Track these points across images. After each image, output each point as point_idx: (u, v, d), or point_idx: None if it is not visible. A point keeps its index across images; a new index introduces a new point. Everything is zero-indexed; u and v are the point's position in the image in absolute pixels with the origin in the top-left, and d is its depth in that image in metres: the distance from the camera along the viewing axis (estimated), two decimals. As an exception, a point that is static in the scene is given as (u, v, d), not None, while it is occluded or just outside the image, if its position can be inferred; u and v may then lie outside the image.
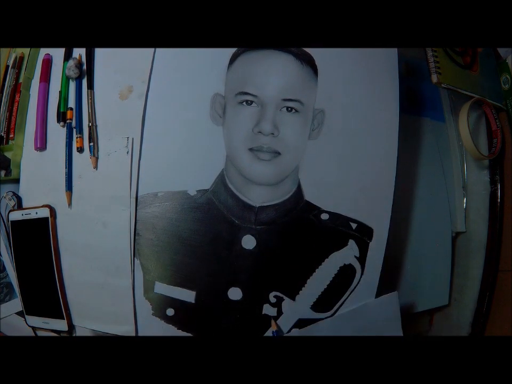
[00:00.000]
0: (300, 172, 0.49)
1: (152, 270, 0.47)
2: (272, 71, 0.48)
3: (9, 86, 0.54)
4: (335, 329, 0.48)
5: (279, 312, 0.47)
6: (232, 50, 0.49)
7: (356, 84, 0.51)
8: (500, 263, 0.59)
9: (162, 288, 0.47)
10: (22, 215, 0.50)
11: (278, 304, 0.47)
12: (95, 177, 0.49)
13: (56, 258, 0.49)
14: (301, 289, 0.48)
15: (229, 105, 0.48)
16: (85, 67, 0.51)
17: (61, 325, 0.49)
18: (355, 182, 0.49)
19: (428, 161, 0.58)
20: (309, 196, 0.49)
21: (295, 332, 0.48)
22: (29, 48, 0.54)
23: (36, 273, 0.50)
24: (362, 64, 0.51)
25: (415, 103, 0.59)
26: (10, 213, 0.51)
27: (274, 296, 0.47)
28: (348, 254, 0.48)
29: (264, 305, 0.47)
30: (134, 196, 0.47)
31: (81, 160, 0.49)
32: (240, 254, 0.47)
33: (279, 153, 0.47)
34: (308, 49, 0.49)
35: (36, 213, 0.50)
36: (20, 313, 0.52)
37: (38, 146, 0.51)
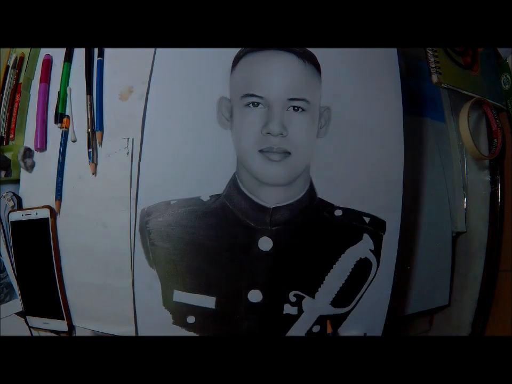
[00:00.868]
0: (311, 170, 0.49)
1: (169, 279, 0.47)
2: (276, 71, 0.48)
3: (10, 87, 0.54)
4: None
5: (300, 311, 0.48)
6: (234, 53, 0.49)
7: (359, 79, 0.51)
8: (500, 263, 0.59)
9: (182, 296, 0.47)
10: (22, 215, 0.50)
11: (298, 303, 0.48)
12: (95, 178, 0.49)
13: (56, 258, 0.49)
14: (320, 286, 0.48)
15: (235, 108, 0.48)
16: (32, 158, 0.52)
17: (61, 325, 0.49)
18: (365, 177, 0.50)
19: (428, 162, 0.58)
20: (322, 193, 0.49)
21: (317, 329, 0.48)
22: (29, 49, 0.54)
23: (36, 274, 0.50)
24: (364, 59, 0.51)
25: (416, 103, 0.59)
26: (11, 213, 0.51)
27: (294, 295, 0.48)
28: (363, 248, 0.49)
29: (285, 305, 0.48)
30: (134, 197, 0.47)
31: (82, 161, 0.49)
32: (257, 256, 0.47)
33: (289, 153, 0.47)
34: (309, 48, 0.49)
35: (36, 214, 0.50)
36: (20, 314, 0.52)
37: (38, 146, 0.51)
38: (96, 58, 0.51)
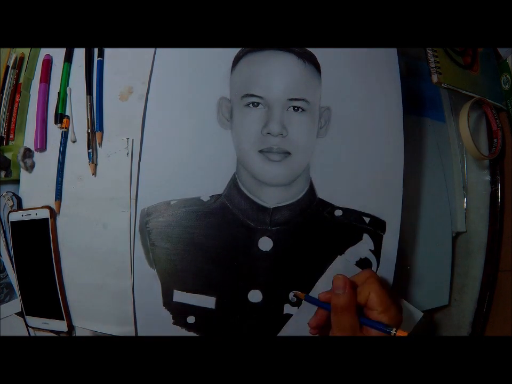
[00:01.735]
0: (311, 170, 0.49)
1: (169, 279, 0.47)
2: (276, 71, 0.48)
3: (10, 87, 0.54)
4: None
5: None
6: (234, 53, 0.49)
7: (359, 79, 0.51)
8: (500, 263, 0.59)
9: (182, 297, 0.47)
10: (22, 215, 0.50)
11: (298, 303, 0.48)
12: (95, 178, 0.49)
13: (56, 259, 0.49)
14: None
15: (235, 108, 0.48)
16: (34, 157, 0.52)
17: (61, 325, 0.49)
18: (365, 177, 0.50)
19: (428, 161, 0.58)
20: (322, 193, 0.49)
21: None
22: (29, 49, 0.54)
23: (35, 274, 0.50)
24: (364, 59, 0.51)
25: (415, 103, 0.59)
26: (10, 213, 0.51)
27: (294, 295, 0.48)
28: (363, 248, 0.49)
29: (285, 305, 0.48)
30: (134, 198, 0.47)
31: (82, 161, 0.49)
32: (257, 256, 0.47)
33: (289, 153, 0.48)
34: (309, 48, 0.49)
35: (36, 214, 0.50)
36: (19, 314, 0.52)
37: (38, 147, 0.51)
38: (96, 59, 0.51)
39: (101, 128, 0.49)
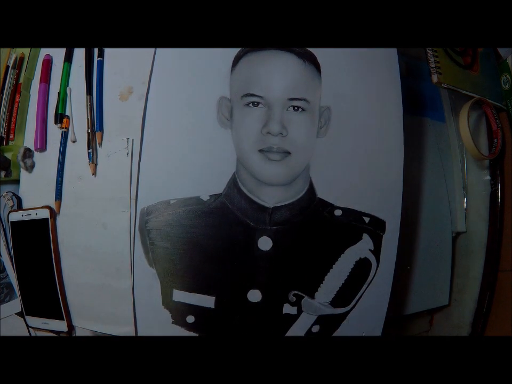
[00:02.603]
0: (311, 170, 0.49)
1: (169, 279, 0.47)
2: (276, 71, 0.48)
3: (10, 87, 0.54)
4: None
5: (299, 311, 0.48)
6: (234, 53, 0.49)
7: (359, 79, 0.51)
8: (500, 263, 0.59)
9: (181, 296, 0.47)
10: (22, 215, 0.50)
11: (297, 303, 0.48)
12: (95, 178, 0.49)
13: (56, 259, 0.49)
14: (319, 286, 0.48)
15: (235, 108, 0.48)
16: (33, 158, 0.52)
17: (61, 325, 0.49)
18: (365, 177, 0.50)
19: (428, 162, 0.58)
20: (321, 193, 0.49)
21: (316, 329, 0.48)
22: (29, 49, 0.54)
23: (35, 274, 0.50)
24: (365, 59, 0.51)
25: (416, 103, 0.59)
26: (11, 213, 0.51)
27: (294, 295, 0.48)
28: (363, 247, 0.49)
29: (284, 304, 0.48)
30: (134, 198, 0.47)
31: (82, 161, 0.49)
32: (257, 256, 0.47)
33: (289, 153, 0.48)
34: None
35: (36, 214, 0.50)
36: (19, 314, 0.52)
37: (38, 147, 0.51)
38: (96, 59, 0.51)
39: (101, 128, 0.49)
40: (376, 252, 0.49)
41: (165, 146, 0.48)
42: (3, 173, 0.52)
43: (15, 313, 0.52)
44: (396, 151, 0.50)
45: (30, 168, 0.51)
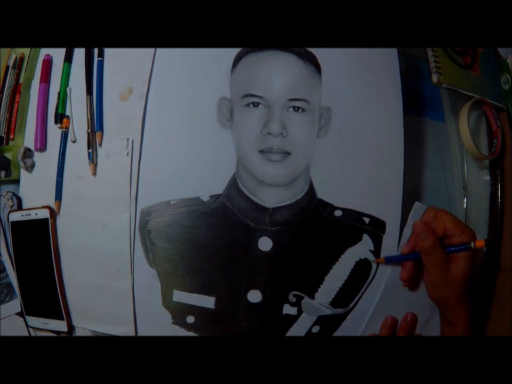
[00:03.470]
0: (311, 171, 0.49)
1: (169, 279, 0.47)
2: (276, 71, 0.48)
3: (10, 87, 0.54)
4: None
5: (299, 311, 0.48)
6: (234, 53, 0.49)
7: (359, 79, 0.51)
8: (500, 263, 0.59)
9: (181, 296, 0.47)
10: (22, 215, 0.50)
11: (297, 303, 0.48)
12: (95, 178, 0.49)
13: (56, 259, 0.49)
14: (320, 287, 0.48)
15: (235, 108, 0.48)
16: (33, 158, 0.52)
17: (61, 325, 0.49)
18: (365, 177, 0.50)
19: (428, 161, 0.58)
20: (322, 193, 0.49)
21: (316, 329, 0.48)
22: (29, 49, 0.54)
23: (36, 274, 0.50)
24: (365, 59, 0.51)
25: (415, 103, 0.59)
26: (10, 213, 0.51)
27: (294, 296, 0.48)
28: (363, 248, 0.49)
29: (284, 305, 0.48)
30: (134, 198, 0.47)
31: (82, 161, 0.49)
32: (257, 256, 0.47)
33: (289, 154, 0.48)
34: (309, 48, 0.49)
35: (36, 214, 0.50)
36: (19, 314, 0.52)
37: (38, 147, 0.51)
38: (96, 59, 0.51)
39: (101, 128, 0.49)
40: (376, 252, 0.49)
41: (165, 147, 0.48)
42: (3, 173, 0.52)
43: (15, 313, 0.52)
44: (396, 151, 0.50)
45: (30, 168, 0.51)
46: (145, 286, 0.47)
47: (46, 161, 0.51)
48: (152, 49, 0.49)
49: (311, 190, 0.49)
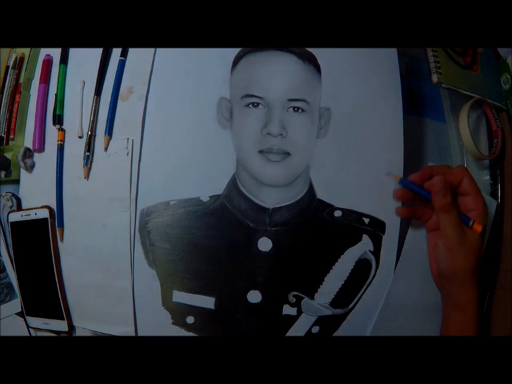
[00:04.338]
0: (311, 171, 0.49)
1: (169, 279, 0.47)
2: (276, 71, 0.48)
3: (10, 87, 0.54)
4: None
5: (299, 312, 0.48)
6: (234, 53, 0.49)
7: (359, 79, 0.51)
8: (500, 263, 0.59)
9: (181, 297, 0.47)
10: (22, 216, 0.50)
11: (297, 304, 0.48)
12: (95, 178, 0.49)
13: (56, 259, 0.49)
14: (319, 287, 0.48)
15: (235, 109, 0.48)
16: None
17: (61, 325, 0.49)
18: (365, 178, 0.50)
19: (428, 162, 0.58)
20: (321, 194, 0.49)
21: (316, 330, 0.48)
22: (29, 49, 0.54)
23: (36, 274, 0.50)
24: (365, 59, 0.51)
25: (415, 103, 0.59)
26: (10, 214, 0.51)
27: (293, 296, 0.48)
28: (362, 248, 0.49)
29: (284, 305, 0.48)
30: (134, 198, 0.47)
31: (82, 162, 0.49)
32: (257, 257, 0.47)
33: (289, 154, 0.48)
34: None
35: (35, 214, 0.49)
36: (19, 314, 0.52)
37: (36, 147, 0.51)
38: (118, 58, 0.50)
39: (110, 132, 0.49)
40: (376, 252, 0.49)
41: (165, 147, 0.48)
42: (3, 173, 0.52)
43: (15, 314, 0.52)
44: (396, 151, 0.50)
45: (30, 168, 0.51)
46: (145, 287, 0.47)
47: (45, 162, 0.51)
48: (152, 49, 0.49)
49: (311, 190, 0.49)
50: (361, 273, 0.49)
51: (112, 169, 0.48)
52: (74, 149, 0.50)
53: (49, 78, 0.53)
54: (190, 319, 0.47)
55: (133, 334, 0.47)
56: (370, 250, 0.49)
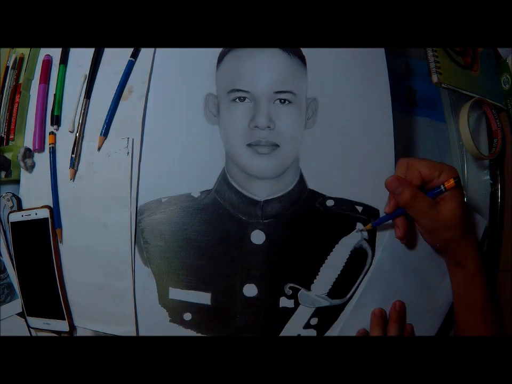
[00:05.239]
0: (301, 162, 0.49)
1: (164, 277, 0.47)
2: (261, 65, 0.49)
3: (9, 87, 0.54)
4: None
5: (296, 304, 0.48)
6: (219, 50, 0.49)
7: (344, 69, 0.51)
8: (500, 263, 0.59)
9: (177, 294, 0.47)
10: (22, 216, 0.50)
11: (294, 296, 0.47)
12: (95, 178, 0.49)
13: (57, 259, 0.49)
14: (315, 278, 0.48)
15: (222, 104, 0.49)
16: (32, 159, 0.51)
17: (62, 325, 0.49)
18: (355, 165, 0.50)
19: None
20: (312, 184, 0.49)
21: (314, 322, 0.48)
22: (29, 49, 0.54)
23: (36, 274, 0.50)
24: (349, 50, 0.51)
25: (415, 103, 0.59)
26: (10, 214, 0.51)
27: (290, 288, 0.47)
28: (357, 237, 0.49)
29: (281, 298, 0.47)
30: (135, 197, 0.47)
31: (82, 162, 0.50)
32: (250, 250, 0.47)
33: (278, 146, 0.48)
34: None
35: (36, 214, 0.49)
36: (20, 315, 0.52)
37: (37, 147, 0.51)
38: (128, 58, 0.50)
39: (106, 133, 0.49)
40: (371, 240, 0.49)
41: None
42: (3, 173, 0.52)
43: (16, 314, 0.52)
44: (385, 137, 0.50)
45: (30, 168, 0.51)
46: (142, 285, 0.47)
47: (46, 162, 0.51)
48: (152, 49, 0.50)
49: (302, 181, 0.49)
50: (357, 262, 0.49)
51: (113, 169, 0.48)
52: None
53: (49, 78, 0.53)
54: (187, 316, 0.47)
55: (134, 334, 0.47)
56: (365, 239, 0.49)
